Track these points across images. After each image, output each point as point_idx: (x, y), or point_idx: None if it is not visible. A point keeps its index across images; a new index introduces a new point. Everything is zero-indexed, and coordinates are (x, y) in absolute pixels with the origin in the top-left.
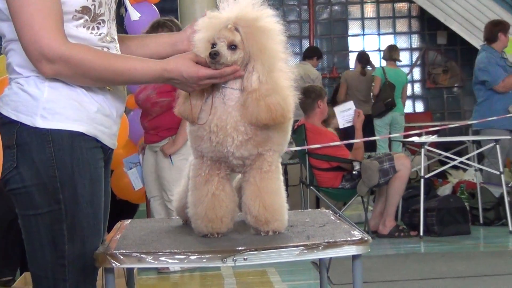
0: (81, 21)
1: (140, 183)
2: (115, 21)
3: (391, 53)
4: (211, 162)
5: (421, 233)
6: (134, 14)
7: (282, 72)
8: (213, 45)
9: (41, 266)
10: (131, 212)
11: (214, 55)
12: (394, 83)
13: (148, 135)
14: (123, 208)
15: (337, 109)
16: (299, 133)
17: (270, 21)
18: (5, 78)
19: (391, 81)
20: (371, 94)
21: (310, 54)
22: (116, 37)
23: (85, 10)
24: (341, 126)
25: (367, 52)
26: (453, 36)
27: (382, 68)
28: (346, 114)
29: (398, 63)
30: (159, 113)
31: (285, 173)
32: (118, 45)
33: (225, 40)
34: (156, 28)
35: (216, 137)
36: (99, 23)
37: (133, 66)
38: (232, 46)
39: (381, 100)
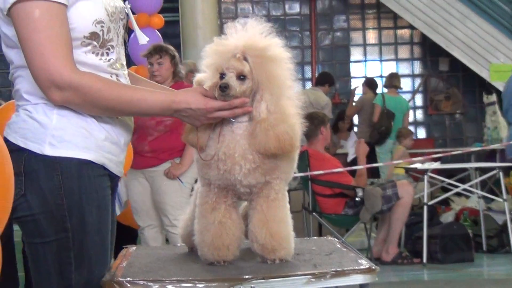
0: (90, 47)
1: (119, 209)
2: (123, 46)
3: (392, 80)
4: (218, 190)
5: (424, 260)
6: (142, 38)
7: (290, 99)
8: (222, 74)
9: None
10: (133, 237)
11: (224, 88)
12: (395, 110)
13: (144, 159)
14: (123, 233)
15: (348, 145)
16: (302, 159)
17: (279, 50)
18: (10, 103)
19: (389, 109)
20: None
21: (322, 81)
22: (124, 63)
23: (93, 36)
24: (349, 159)
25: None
26: (455, 63)
27: (382, 95)
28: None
29: (399, 89)
30: (162, 133)
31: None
32: (126, 72)
33: (234, 71)
34: (159, 51)
35: (224, 165)
36: (108, 49)
37: (142, 97)
38: (241, 77)
39: (376, 128)
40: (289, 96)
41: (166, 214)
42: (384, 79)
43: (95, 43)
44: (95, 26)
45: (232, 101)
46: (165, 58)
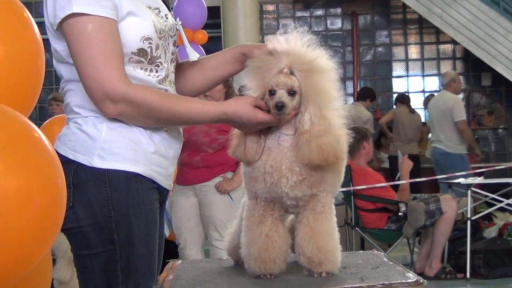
0: (138, 63)
1: (167, 229)
2: (174, 63)
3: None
4: (265, 203)
5: (468, 275)
6: (193, 55)
7: (336, 111)
8: (271, 91)
9: None
10: (176, 252)
11: (281, 107)
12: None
13: (197, 173)
14: (167, 247)
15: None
16: (345, 174)
17: (325, 62)
18: (55, 118)
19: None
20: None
21: (363, 95)
22: (173, 80)
23: (141, 52)
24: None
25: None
26: (498, 78)
27: None
28: None
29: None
30: (215, 150)
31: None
32: (175, 88)
33: (284, 87)
34: None
35: (270, 177)
36: (157, 66)
37: (194, 108)
38: (291, 92)
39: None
40: (335, 108)
41: (216, 228)
42: (426, 94)
43: (143, 59)
44: (143, 42)
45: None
46: None
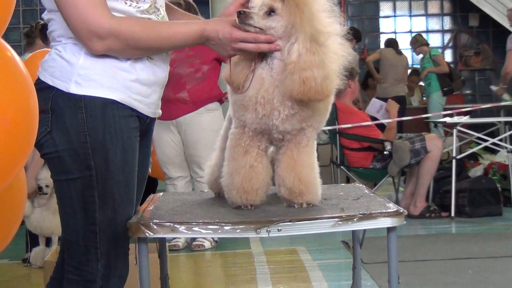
0: None
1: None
2: None
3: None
4: (252, 134)
5: (452, 214)
6: None
7: (334, 53)
8: None
9: (72, 232)
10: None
11: (239, 12)
12: None
13: (179, 107)
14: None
15: (370, 112)
16: (330, 113)
17: None
18: (44, 51)
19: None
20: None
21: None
22: (161, 4)
23: None
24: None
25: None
26: (485, 18)
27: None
28: (382, 112)
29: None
30: (200, 81)
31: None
32: (162, 14)
33: (264, 7)
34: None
35: (262, 109)
36: (137, 1)
37: (178, 30)
38: (271, 13)
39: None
40: (333, 45)
41: (200, 166)
42: (413, 34)
43: None
44: None
45: (257, 35)
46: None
